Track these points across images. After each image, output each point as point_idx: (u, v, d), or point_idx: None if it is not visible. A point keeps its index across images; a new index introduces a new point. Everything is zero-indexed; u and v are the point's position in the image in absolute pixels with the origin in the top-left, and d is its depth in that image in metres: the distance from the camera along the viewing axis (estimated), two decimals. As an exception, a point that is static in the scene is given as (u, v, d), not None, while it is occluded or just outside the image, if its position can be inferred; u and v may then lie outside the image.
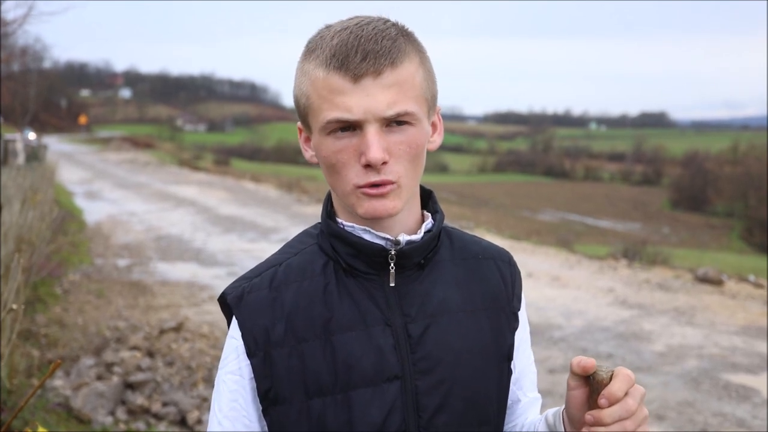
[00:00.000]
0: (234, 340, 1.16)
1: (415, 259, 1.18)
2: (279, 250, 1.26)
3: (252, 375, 1.14)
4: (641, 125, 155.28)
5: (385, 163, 1.08)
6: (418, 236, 1.18)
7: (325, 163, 1.13)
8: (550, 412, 1.22)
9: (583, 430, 1.04)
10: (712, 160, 64.04)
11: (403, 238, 1.16)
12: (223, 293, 1.20)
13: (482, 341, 1.21)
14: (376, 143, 1.07)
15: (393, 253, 1.15)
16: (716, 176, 56.69)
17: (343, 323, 1.14)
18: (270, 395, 1.14)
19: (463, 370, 1.18)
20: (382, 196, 1.10)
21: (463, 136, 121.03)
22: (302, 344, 1.13)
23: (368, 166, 1.08)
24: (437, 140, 1.21)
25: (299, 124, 1.20)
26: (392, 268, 1.16)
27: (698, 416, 5.22)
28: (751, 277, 10.65)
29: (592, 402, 1.06)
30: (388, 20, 1.13)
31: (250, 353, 1.14)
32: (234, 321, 1.17)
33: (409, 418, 1.13)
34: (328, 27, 1.13)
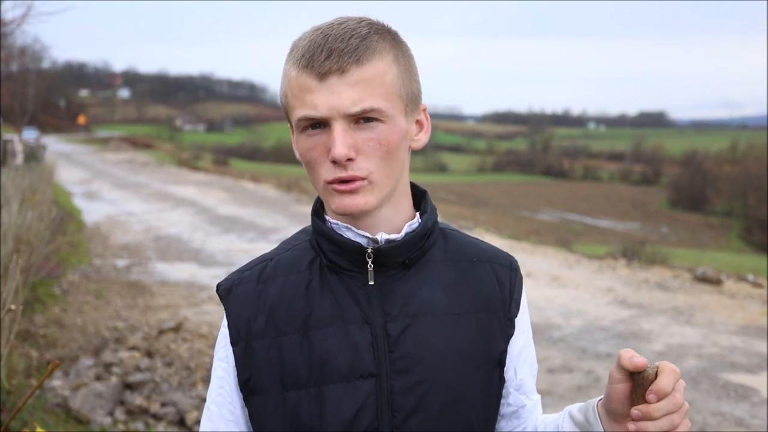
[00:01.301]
0: (224, 328, 1.21)
1: (398, 258, 1.17)
2: (276, 247, 1.29)
3: (235, 363, 1.19)
4: (640, 125, 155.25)
5: (351, 159, 1.09)
6: (399, 235, 1.18)
7: (303, 161, 1.16)
8: (575, 408, 1.19)
9: (630, 426, 1.02)
10: (711, 159, 64.12)
11: (382, 236, 1.17)
12: (217, 285, 1.25)
13: (468, 345, 1.19)
14: (340, 140, 1.08)
15: (369, 251, 1.16)
16: (715, 176, 56.73)
17: (322, 319, 1.16)
18: (249, 385, 1.17)
19: (443, 373, 1.16)
20: (351, 192, 1.11)
21: (462, 136, 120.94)
22: (282, 337, 1.16)
23: (335, 162, 1.10)
24: (423, 138, 1.21)
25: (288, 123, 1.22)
26: (370, 266, 1.16)
27: (697, 416, 5.22)
28: (750, 277, 10.65)
29: (635, 396, 1.04)
30: (364, 19, 1.14)
31: (234, 342, 1.19)
32: (225, 311, 1.22)
33: (382, 417, 1.13)
34: (311, 28, 1.15)
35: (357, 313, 1.16)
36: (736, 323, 7.68)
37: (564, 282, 9.57)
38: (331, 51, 1.08)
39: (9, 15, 8.54)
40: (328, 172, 1.11)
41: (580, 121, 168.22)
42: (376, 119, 1.10)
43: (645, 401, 1.01)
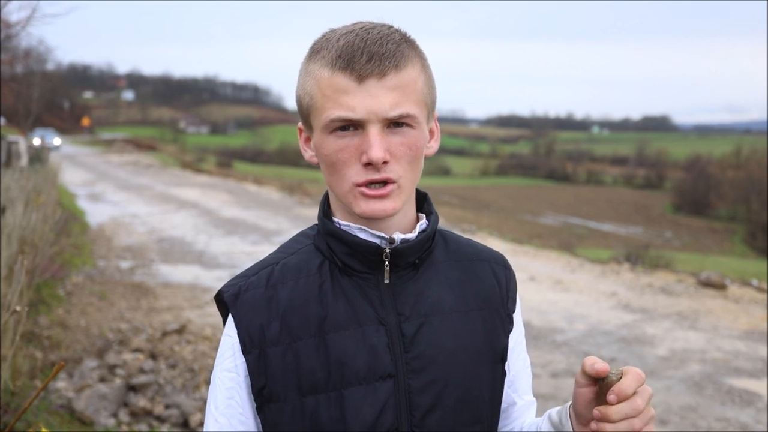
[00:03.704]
0: (229, 337, 1.18)
1: (410, 258, 1.19)
2: (276, 250, 1.27)
3: (247, 372, 1.16)
4: (643, 129, 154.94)
5: (385, 162, 1.10)
6: (412, 235, 1.19)
7: (326, 162, 1.14)
8: (554, 410, 1.23)
9: (591, 425, 1.06)
10: (714, 164, 63.87)
11: (399, 236, 1.18)
12: (219, 291, 1.21)
13: (475, 342, 1.22)
14: (378, 143, 1.08)
15: (388, 251, 1.16)
16: (718, 180, 56.47)
17: (337, 322, 1.15)
18: (264, 393, 1.15)
19: (455, 370, 1.18)
20: (382, 197, 1.12)
21: (466, 140, 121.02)
22: (297, 342, 1.15)
23: (368, 165, 1.10)
24: (434, 146, 1.24)
25: (300, 124, 1.22)
26: (387, 266, 1.17)
27: (701, 421, 5.20)
28: (754, 282, 10.63)
29: (600, 401, 1.07)
30: (392, 26, 1.16)
31: (246, 351, 1.15)
32: (230, 318, 1.18)
33: (401, 416, 1.15)
34: (332, 30, 1.16)
35: (371, 314, 1.16)
36: (740, 328, 7.66)
37: (567, 286, 9.54)
38: (371, 54, 1.09)
39: (14, 17, 8.56)
40: (358, 175, 1.11)
41: (583, 125, 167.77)
42: (408, 124, 1.12)
43: (607, 403, 1.04)
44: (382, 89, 1.09)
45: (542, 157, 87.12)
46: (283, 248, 1.27)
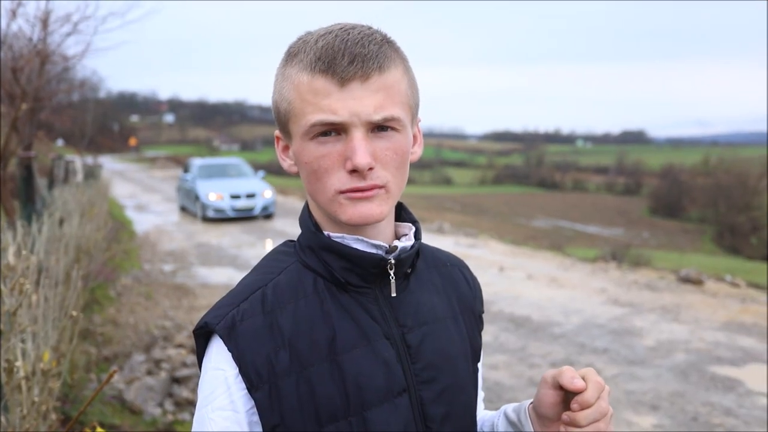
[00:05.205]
0: (221, 371, 0.95)
1: (406, 267, 1.04)
2: (255, 272, 1.05)
3: (248, 408, 0.94)
4: (623, 142, 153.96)
5: (371, 168, 0.93)
6: (409, 243, 1.03)
7: (307, 170, 0.97)
8: (510, 408, 1.11)
9: (561, 428, 0.97)
10: (686, 172, 63.45)
11: (400, 244, 1.01)
12: (205, 323, 0.97)
13: (464, 346, 1.10)
14: (362, 148, 0.91)
15: (393, 261, 1.00)
16: (690, 187, 56.17)
17: (347, 341, 0.98)
18: (278, 431, 0.94)
19: (458, 376, 1.06)
20: (367, 199, 0.94)
21: (465, 153, 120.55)
22: (309, 369, 0.95)
23: (354, 171, 0.93)
24: (418, 151, 1.06)
25: (277, 132, 1.04)
26: (392, 277, 1.01)
27: (689, 406, 5.05)
28: (728, 277, 10.42)
29: (566, 404, 1.00)
30: (371, 26, 0.98)
31: (253, 387, 0.93)
32: (219, 352, 0.95)
33: (419, 430, 1.00)
34: (309, 32, 0.98)
35: (377, 329, 1.00)
36: (719, 320, 7.48)
37: (562, 283, 9.38)
38: (354, 56, 0.91)
39: (71, 51, 8.56)
40: (341, 182, 0.94)
41: (569, 139, 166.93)
42: (393, 128, 0.95)
43: (571, 410, 0.98)
44: (365, 92, 0.91)
45: (533, 167, 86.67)
46: (265, 269, 1.05)
